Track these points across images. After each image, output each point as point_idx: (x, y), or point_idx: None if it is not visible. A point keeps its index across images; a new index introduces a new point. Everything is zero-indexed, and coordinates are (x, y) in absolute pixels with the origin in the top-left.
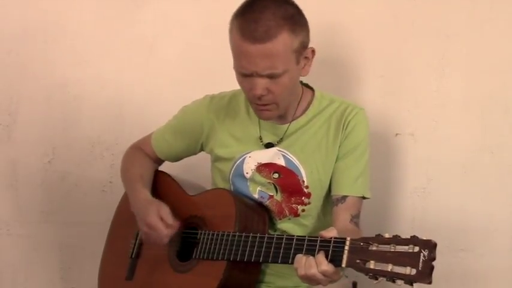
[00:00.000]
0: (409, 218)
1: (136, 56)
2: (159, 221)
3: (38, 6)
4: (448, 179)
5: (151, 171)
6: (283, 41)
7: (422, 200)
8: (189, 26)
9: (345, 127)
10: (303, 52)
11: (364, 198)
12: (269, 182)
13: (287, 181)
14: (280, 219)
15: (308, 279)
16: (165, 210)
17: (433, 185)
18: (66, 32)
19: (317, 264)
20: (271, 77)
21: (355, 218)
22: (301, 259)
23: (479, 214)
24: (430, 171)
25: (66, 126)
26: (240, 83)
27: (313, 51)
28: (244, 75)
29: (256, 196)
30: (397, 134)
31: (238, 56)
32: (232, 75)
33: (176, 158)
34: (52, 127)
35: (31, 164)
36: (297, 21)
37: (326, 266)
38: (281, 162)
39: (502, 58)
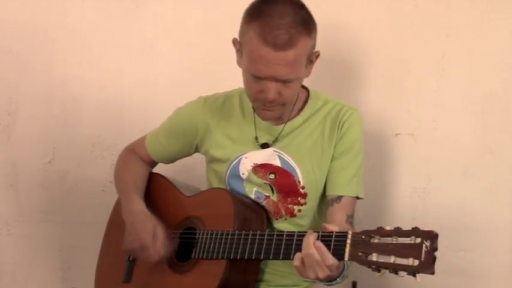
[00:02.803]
0: (409, 218)
1: (137, 56)
2: (153, 243)
3: (38, 6)
4: (448, 179)
5: (145, 176)
6: (304, 48)
7: (422, 200)
8: (189, 26)
9: (340, 127)
10: (312, 56)
11: (358, 198)
12: (265, 183)
13: (283, 182)
14: (276, 219)
15: (307, 259)
16: (160, 232)
17: (433, 184)
18: (66, 31)
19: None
20: (285, 81)
21: (351, 218)
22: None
23: (479, 214)
24: (430, 171)
25: (66, 126)
26: (249, 83)
27: (318, 55)
28: (258, 77)
29: (252, 197)
30: (396, 134)
31: (256, 59)
32: (231, 75)
33: (171, 160)
34: (52, 127)
35: (31, 164)
36: (312, 25)
37: (332, 260)
38: (277, 162)
39: (502, 58)
